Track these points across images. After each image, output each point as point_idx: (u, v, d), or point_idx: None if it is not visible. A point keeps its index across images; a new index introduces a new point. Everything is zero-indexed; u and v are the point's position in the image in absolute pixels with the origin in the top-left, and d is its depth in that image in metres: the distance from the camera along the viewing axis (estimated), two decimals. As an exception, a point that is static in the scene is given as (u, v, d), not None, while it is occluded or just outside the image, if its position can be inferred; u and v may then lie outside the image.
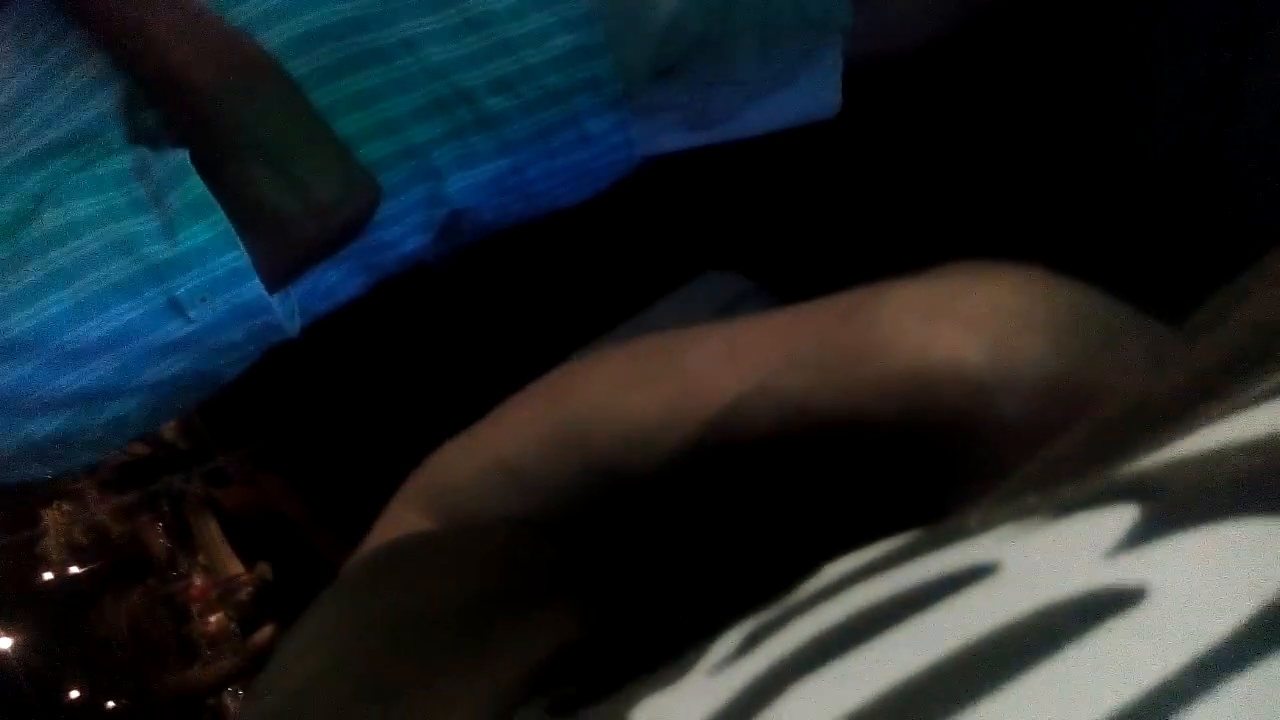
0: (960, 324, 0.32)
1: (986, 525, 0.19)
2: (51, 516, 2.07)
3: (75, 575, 2.10)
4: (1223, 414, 0.19)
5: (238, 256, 0.67)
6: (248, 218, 0.68)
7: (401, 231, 0.81)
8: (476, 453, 0.42)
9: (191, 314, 0.69)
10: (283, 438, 1.60)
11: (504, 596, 0.35)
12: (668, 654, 0.22)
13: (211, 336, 0.70)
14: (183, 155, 0.68)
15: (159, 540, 2.24)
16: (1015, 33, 1.31)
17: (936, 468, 0.33)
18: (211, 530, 2.26)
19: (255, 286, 0.68)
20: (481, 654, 0.31)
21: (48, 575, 2.10)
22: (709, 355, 0.37)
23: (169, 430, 2.01)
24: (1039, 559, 0.18)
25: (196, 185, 0.67)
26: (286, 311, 0.73)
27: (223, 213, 0.67)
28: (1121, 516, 0.17)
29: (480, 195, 0.85)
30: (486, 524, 0.40)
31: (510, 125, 0.80)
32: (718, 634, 0.21)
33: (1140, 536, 0.17)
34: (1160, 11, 1.17)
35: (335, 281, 0.81)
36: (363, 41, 0.75)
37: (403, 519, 0.43)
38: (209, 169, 0.68)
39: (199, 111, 0.69)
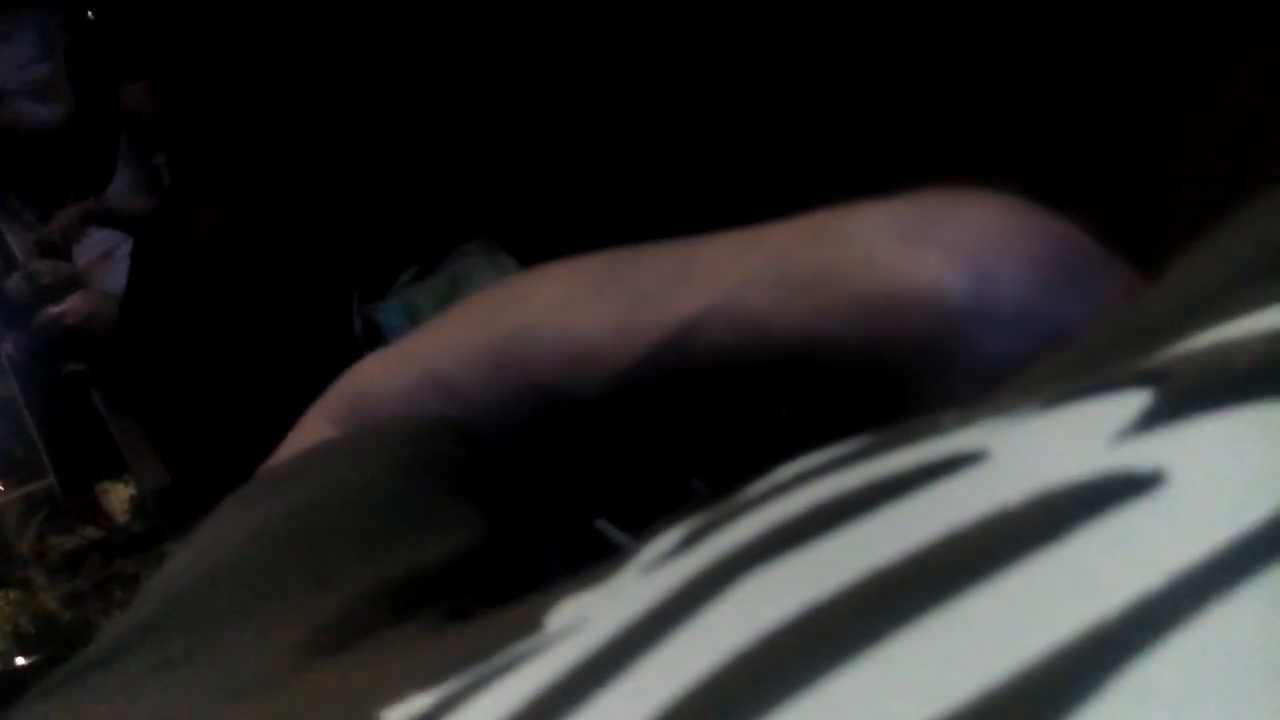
0: (940, 248, 0.30)
1: (965, 421, 0.17)
2: (-5, 607, 2.03)
3: (21, 666, 2.05)
4: (1229, 316, 0.17)
5: None
6: None
7: None
8: (405, 366, 0.39)
9: None
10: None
11: (405, 495, 0.33)
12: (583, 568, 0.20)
13: None
14: None
15: (110, 627, 2.18)
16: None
17: (901, 400, 0.31)
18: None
19: None
20: (374, 551, 0.29)
21: (-11, 671, 2.04)
22: (661, 273, 0.35)
23: (122, 514, 1.98)
24: (1034, 444, 0.16)
25: None
26: None
27: None
28: (1129, 401, 0.15)
29: None
30: (397, 422, 0.38)
31: None
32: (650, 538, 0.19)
33: (1154, 418, 0.15)
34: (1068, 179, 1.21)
35: None
36: None
37: (317, 430, 0.40)
38: None
39: None
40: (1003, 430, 0.16)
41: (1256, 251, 0.20)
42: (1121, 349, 0.19)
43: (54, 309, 2.09)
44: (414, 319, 1.49)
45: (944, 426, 0.17)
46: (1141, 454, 0.14)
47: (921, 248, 0.30)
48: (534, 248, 1.55)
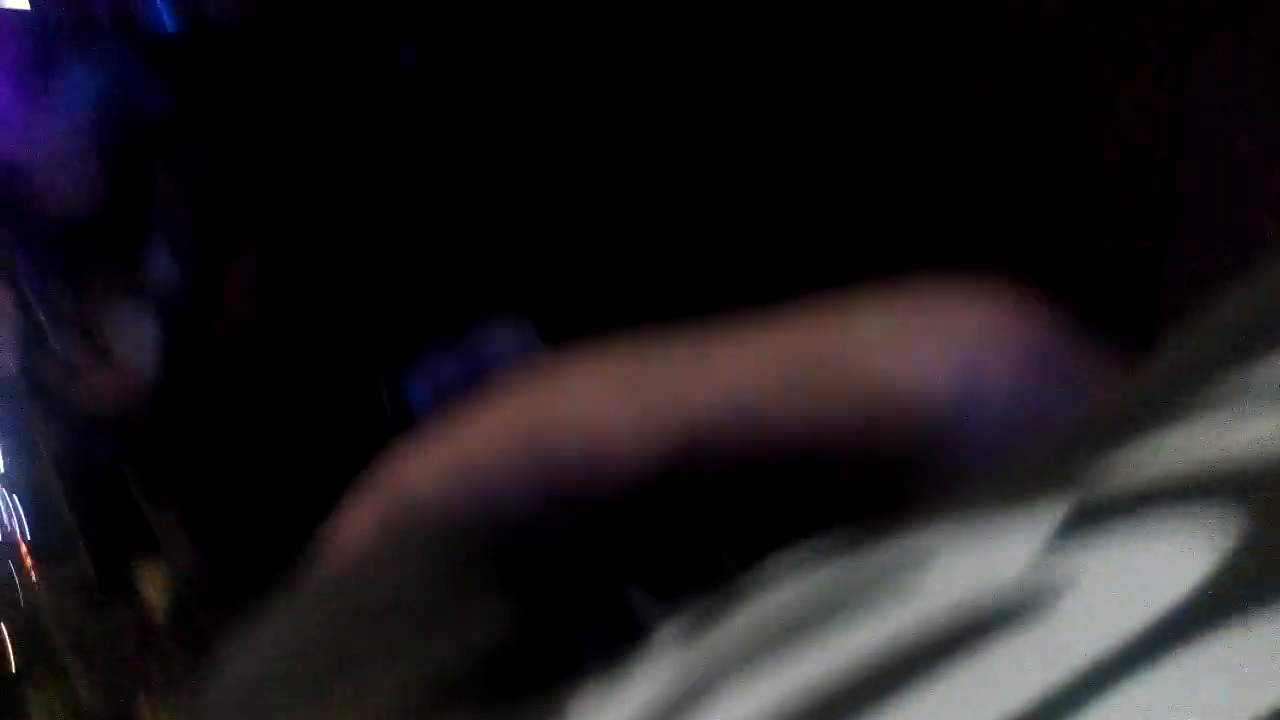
0: (930, 346, 0.33)
1: (926, 522, 0.19)
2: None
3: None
4: (1168, 421, 0.19)
5: None
6: None
7: None
8: (437, 460, 0.42)
9: None
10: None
11: (442, 600, 0.35)
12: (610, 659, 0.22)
13: None
14: None
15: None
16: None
17: (892, 488, 0.33)
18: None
19: None
20: (413, 653, 0.31)
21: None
22: (679, 368, 0.38)
23: (158, 599, 1.98)
24: (969, 554, 0.18)
25: None
26: None
27: None
28: (1054, 509, 0.17)
29: None
30: (433, 526, 0.40)
31: None
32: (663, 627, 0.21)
33: (1073, 526, 0.17)
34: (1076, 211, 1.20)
35: None
36: None
37: (358, 522, 0.42)
38: None
39: None
40: (952, 534, 0.18)
41: (1198, 349, 0.22)
42: (1068, 454, 0.21)
43: (88, 392, 2.11)
44: (441, 396, 1.50)
45: (908, 526, 0.19)
46: (1055, 562, 0.16)
47: (912, 345, 0.33)
48: (560, 323, 1.57)
